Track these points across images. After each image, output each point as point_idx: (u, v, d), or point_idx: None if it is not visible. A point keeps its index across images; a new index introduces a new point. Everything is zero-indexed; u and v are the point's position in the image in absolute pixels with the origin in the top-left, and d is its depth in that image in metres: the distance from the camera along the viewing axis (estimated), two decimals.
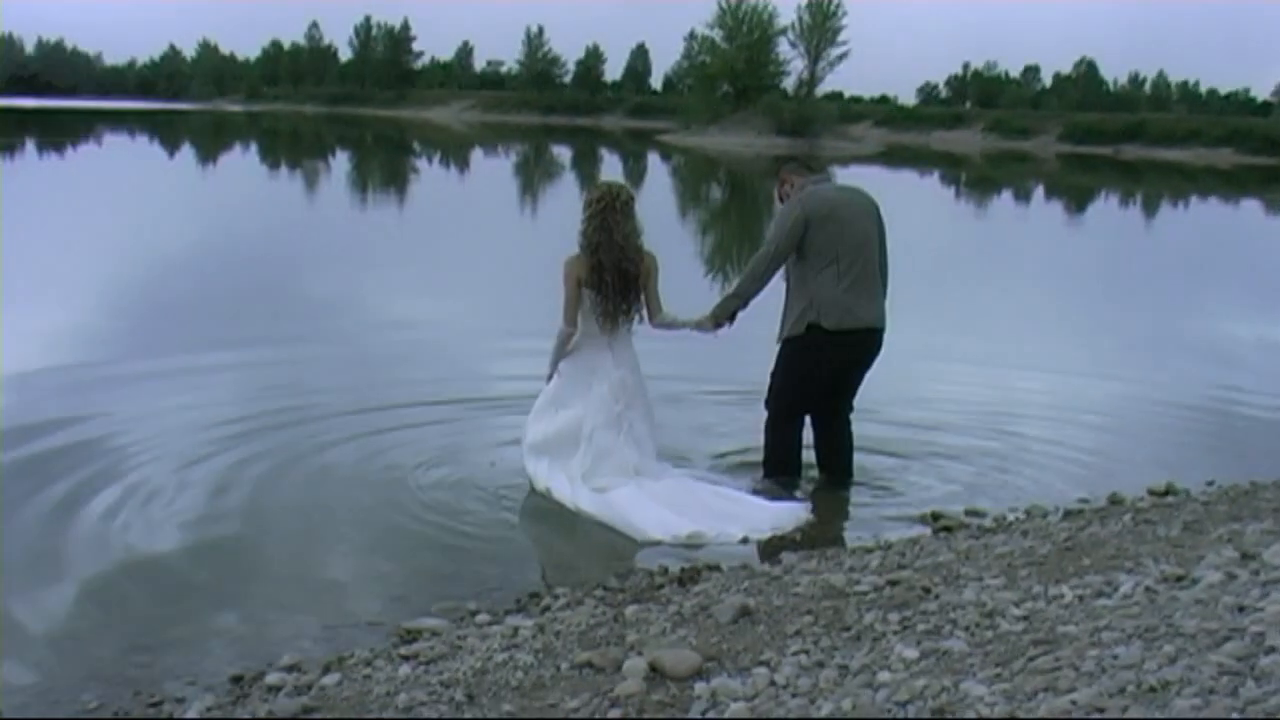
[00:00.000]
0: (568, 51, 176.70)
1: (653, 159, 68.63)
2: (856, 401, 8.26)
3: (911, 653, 4.40)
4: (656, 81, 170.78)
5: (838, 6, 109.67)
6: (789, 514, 7.43)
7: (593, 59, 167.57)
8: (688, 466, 8.30)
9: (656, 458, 7.93)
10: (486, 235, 25.11)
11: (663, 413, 8.55)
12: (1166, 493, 8.00)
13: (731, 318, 8.02)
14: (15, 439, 8.38)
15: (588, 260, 7.55)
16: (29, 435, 8.48)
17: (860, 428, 9.07)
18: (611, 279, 7.54)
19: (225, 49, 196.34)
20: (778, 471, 8.05)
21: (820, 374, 7.92)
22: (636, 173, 55.54)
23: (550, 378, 7.90)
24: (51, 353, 11.00)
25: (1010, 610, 4.85)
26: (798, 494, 7.92)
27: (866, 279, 7.86)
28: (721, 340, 8.19)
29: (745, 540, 7.10)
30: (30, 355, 10.76)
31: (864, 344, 7.95)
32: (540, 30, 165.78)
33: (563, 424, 7.73)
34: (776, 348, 8.04)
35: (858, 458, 8.45)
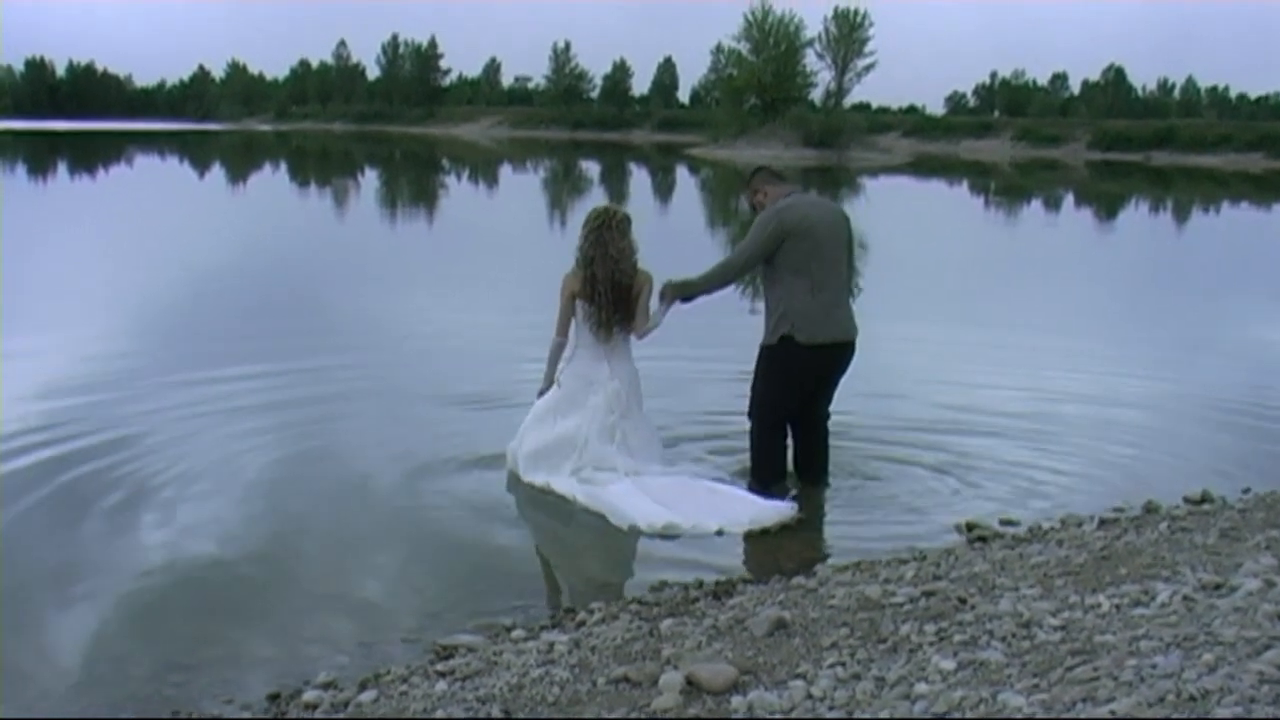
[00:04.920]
0: (595, 66, 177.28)
1: (681, 172, 68.67)
2: (881, 409, 8.27)
3: (948, 664, 4.38)
4: (684, 95, 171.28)
5: (864, 17, 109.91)
6: (772, 511, 7.57)
7: (620, 73, 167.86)
8: (689, 462, 8.59)
9: (660, 461, 8.25)
10: (514, 248, 25.16)
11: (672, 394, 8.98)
12: (1203, 500, 7.95)
13: (688, 299, 8.25)
14: (48, 454, 8.46)
15: (582, 273, 8.03)
16: (61, 451, 8.54)
17: (893, 434, 9.24)
18: (604, 290, 7.98)
19: (254, 69, 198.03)
20: (766, 477, 8.15)
21: (798, 382, 8.06)
22: (665, 186, 55.62)
23: (543, 389, 8.29)
24: (81, 368, 11.07)
25: (1047, 620, 4.83)
26: (790, 494, 8.02)
27: (838, 293, 8.00)
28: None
29: (720, 532, 7.33)
30: (59, 372, 10.85)
31: (837, 356, 8.10)
32: (567, 46, 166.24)
33: (560, 433, 8.08)
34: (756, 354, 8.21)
35: (892, 465, 8.74)
